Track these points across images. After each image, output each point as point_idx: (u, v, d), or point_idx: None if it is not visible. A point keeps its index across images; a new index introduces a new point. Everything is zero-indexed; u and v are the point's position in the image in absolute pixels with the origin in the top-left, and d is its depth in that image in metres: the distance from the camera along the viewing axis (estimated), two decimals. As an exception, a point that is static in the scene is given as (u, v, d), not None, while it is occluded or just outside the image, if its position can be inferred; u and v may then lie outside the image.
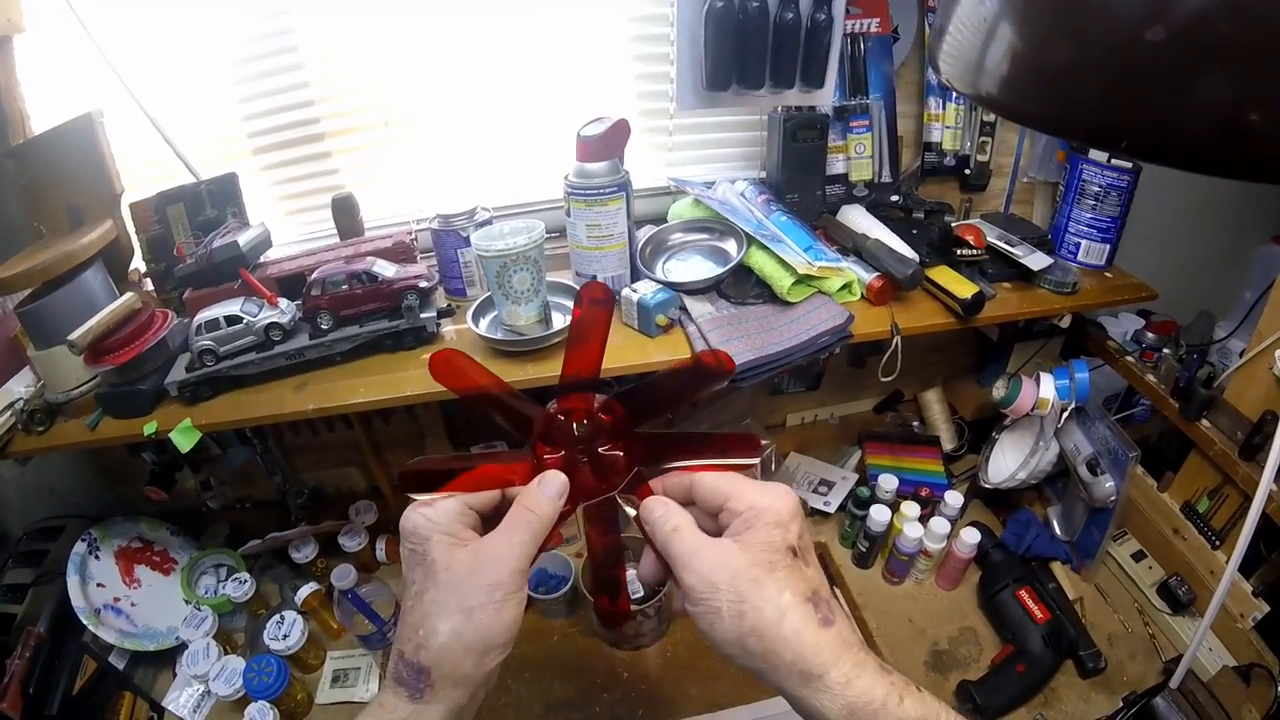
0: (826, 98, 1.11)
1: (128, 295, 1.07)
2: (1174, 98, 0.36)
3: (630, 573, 1.17)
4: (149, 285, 1.25)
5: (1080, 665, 1.16)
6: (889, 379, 1.09)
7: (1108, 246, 1.27)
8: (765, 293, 1.10)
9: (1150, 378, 1.22)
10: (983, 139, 1.29)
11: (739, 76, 1.06)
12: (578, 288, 1.10)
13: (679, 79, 1.08)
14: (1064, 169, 1.30)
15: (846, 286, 1.11)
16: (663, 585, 0.59)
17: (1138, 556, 1.27)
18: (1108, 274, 1.27)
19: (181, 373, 1.04)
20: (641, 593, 1.18)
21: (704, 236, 1.18)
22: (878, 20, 1.20)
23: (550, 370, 1.02)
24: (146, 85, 1.14)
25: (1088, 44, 0.41)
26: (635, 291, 1.05)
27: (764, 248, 1.08)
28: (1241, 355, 1.09)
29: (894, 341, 1.07)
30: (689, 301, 1.08)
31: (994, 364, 1.43)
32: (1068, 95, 0.45)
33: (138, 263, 1.22)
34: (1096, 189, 1.24)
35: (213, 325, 1.03)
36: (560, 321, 1.07)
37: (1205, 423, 1.11)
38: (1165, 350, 1.24)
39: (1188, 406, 1.13)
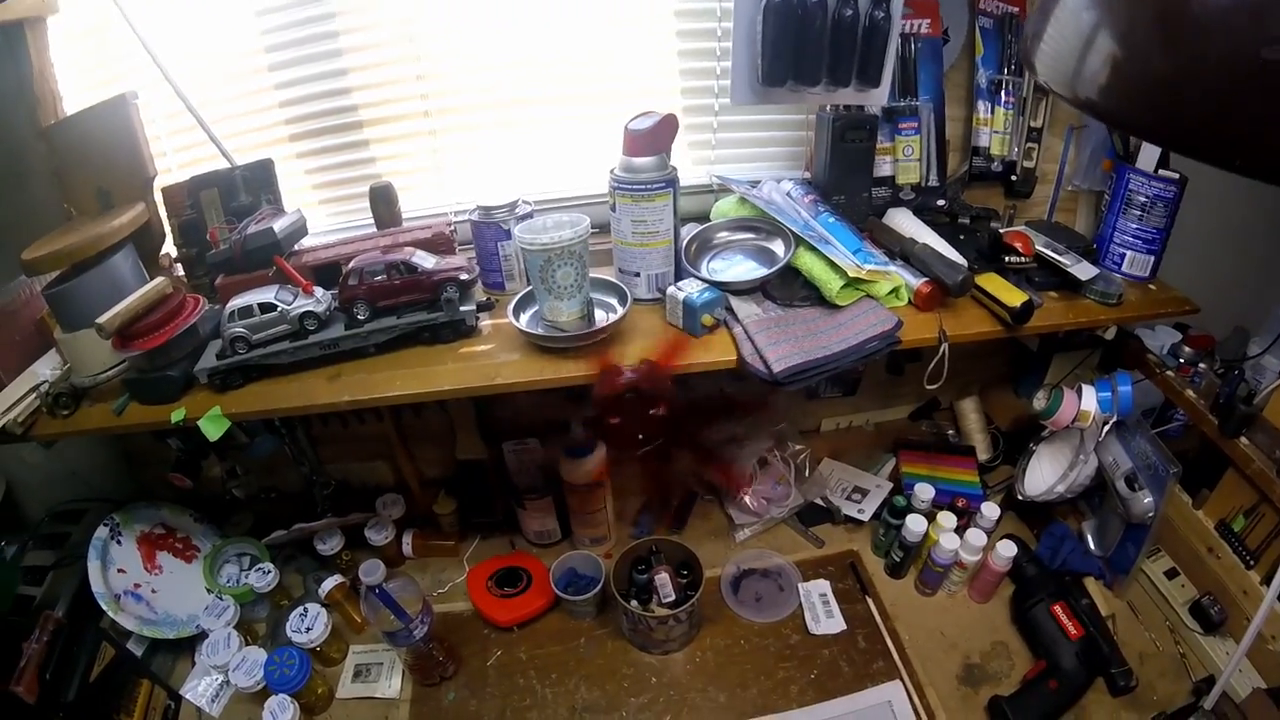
0: (881, 98, 1.06)
1: (158, 280, 1.03)
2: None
3: (661, 577, 1.14)
4: (180, 270, 1.20)
5: (1111, 683, 1.10)
6: (934, 387, 1.04)
7: (1152, 258, 1.22)
8: (813, 295, 1.05)
9: (1189, 393, 1.17)
10: (1029, 145, 1.24)
11: (795, 73, 1.01)
12: (621, 285, 1.06)
13: (734, 73, 1.02)
14: (1109, 178, 1.24)
15: (894, 291, 1.06)
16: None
17: (1170, 574, 1.22)
18: (1151, 286, 1.21)
19: (212, 360, 1.00)
20: (673, 597, 1.14)
21: (750, 236, 1.13)
22: (929, 21, 1.15)
23: (592, 367, 0.97)
24: (181, 68, 1.10)
25: (1195, 59, 0.40)
26: (681, 290, 1.00)
27: (813, 249, 1.03)
28: (1282, 374, 1.05)
29: (941, 349, 1.02)
30: (734, 302, 1.03)
31: (1032, 374, 1.37)
32: (1175, 110, 0.44)
33: (169, 247, 1.18)
34: (1143, 199, 1.18)
35: (246, 312, 0.99)
36: (602, 319, 1.02)
37: (1244, 440, 1.07)
38: (1201, 365, 1.19)
39: (1227, 423, 1.08)
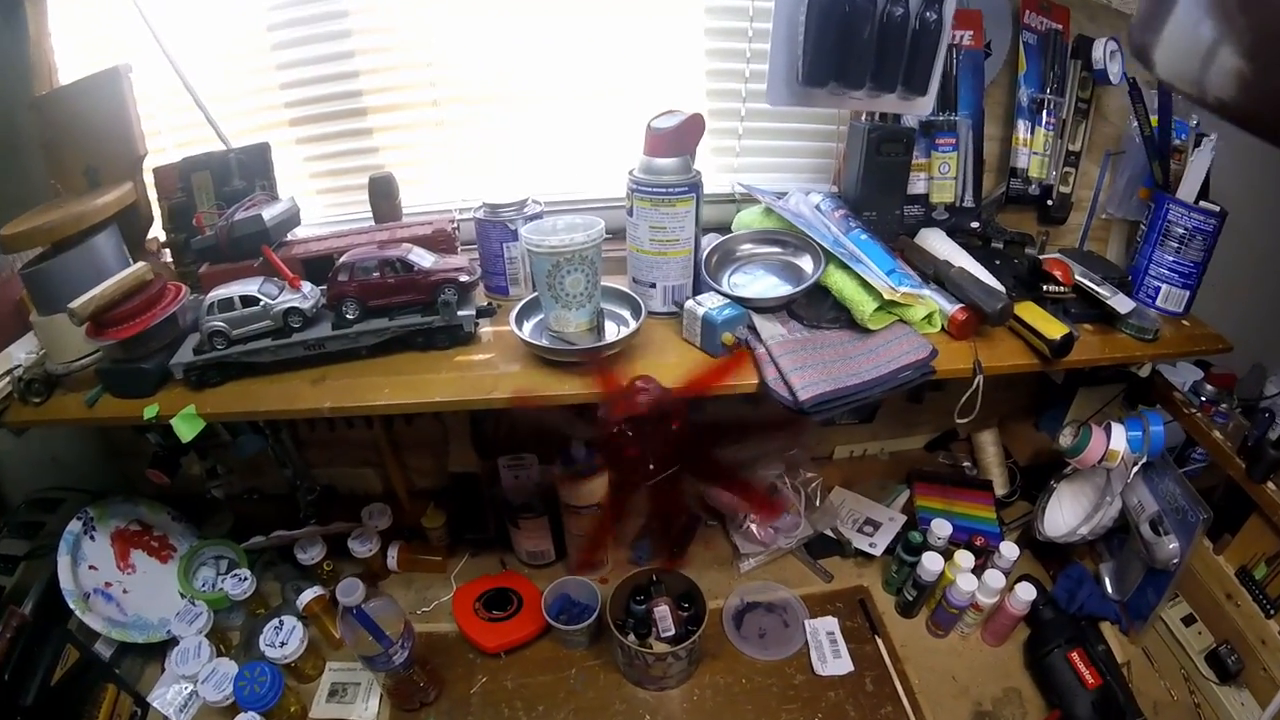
0: (926, 107, 0.93)
1: (139, 265, 0.91)
2: None
3: (660, 610, 1.01)
4: (167, 256, 1.09)
5: (1127, 735, 0.99)
6: (964, 421, 0.92)
7: (1188, 293, 1.10)
8: (842, 317, 0.93)
9: (1216, 434, 1.07)
10: (1066, 169, 1.12)
11: (838, 74, 0.88)
12: (635, 296, 0.93)
13: (771, 72, 0.90)
14: (1146, 208, 1.13)
15: (928, 317, 0.93)
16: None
17: (1188, 621, 1.11)
18: (1185, 322, 1.10)
19: (189, 354, 0.88)
20: (673, 632, 1.01)
21: (776, 250, 1.00)
22: (971, 33, 1.03)
23: (601, 386, 0.84)
24: (181, 42, 0.99)
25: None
26: (701, 305, 0.87)
27: (844, 267, 0.90)
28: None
29: (976, 381, 0.90)
30: (757, 320, 0.91)
31: (1054, 409, 1.25)
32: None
33: (157, 231, 1.07)
34: (1181, 231, 1.07)
35: (226, 305, 0.87)
36: (612, 332, 0.89)
37: (1271, 485, 0.97)
38: (1223, 404, 1.10)
39: (1255, 467, 0.98)
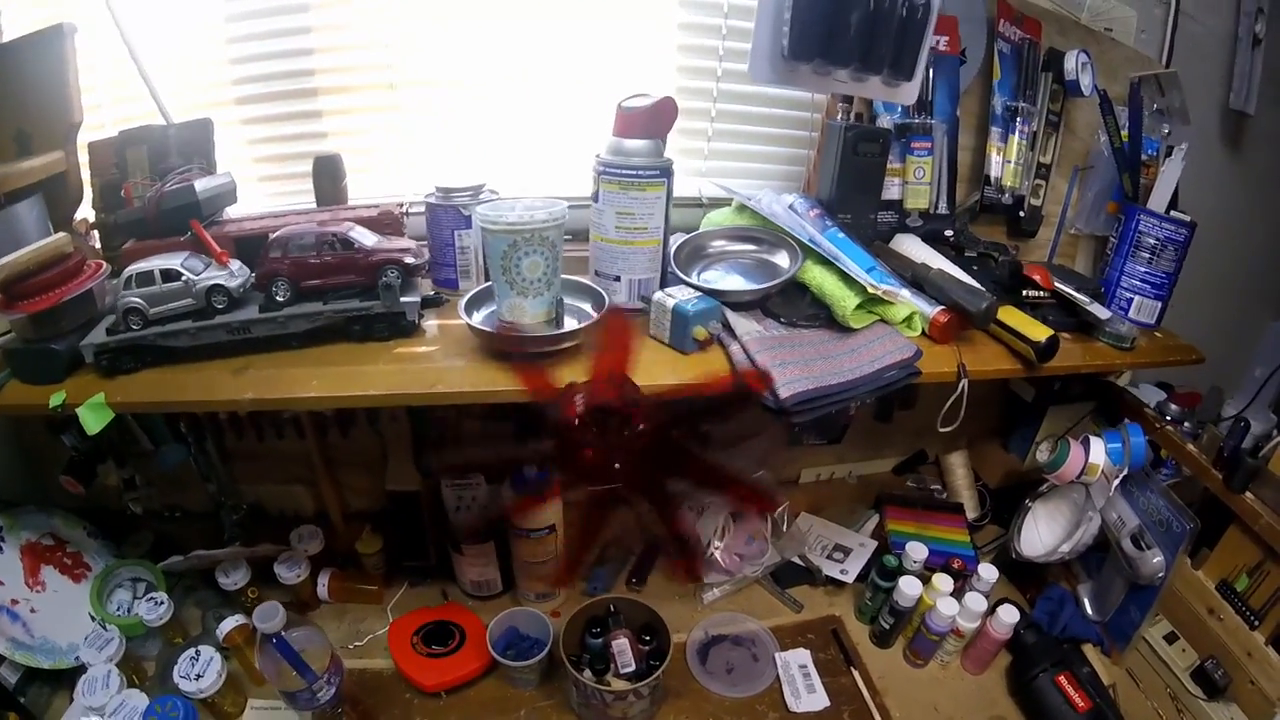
0: (911, 94, 0.87)
1: (59, 235, 0.79)
2: None
3: (619, 643, 0.88)
4: (96, 240, 0.95)
5: (1119, 758, 0.91)
6: (948, 429, 0.83)
7: (1160, 304, 1.06)
8: (821, 315, 0.84)
9: (1191, 447, 1.01)
10: (1037, 182, 1.07)
11: (825, 49, 0.80)
12: (599, 289, 0.82)
13: (755, 44, 0.81)
14: (1116, 222, 1.09)
15: (907, 320, 0.86)
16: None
17: (1170, 638, 1.03)
18: (1158, 333, 1.06)
19: (102, 335, 0.75)
20: (633, 667, 0.87)
21: (750, 248, 0.91)
22: (947, 39, 0.97)
23: (543, 382, 0.72)
24: (130, 6, 0.88)
25: None
26: (671, 297, 0.77)
27: (824, 262, 0.82)
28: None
29: (960, 386, 0.81)
30: (731, 316, 0.81)
31: (1023, 428, 1.18)
32: None
33: (87, 212, 0.93)
34: (1153, 241, 1.03)
35: (145, 279, 0.74)
36: (573, 325, 0.78)
37: (1250, 495, 0.92)
38: (1186, 424, 1.06)
39: (1234, 477, 0.94)
